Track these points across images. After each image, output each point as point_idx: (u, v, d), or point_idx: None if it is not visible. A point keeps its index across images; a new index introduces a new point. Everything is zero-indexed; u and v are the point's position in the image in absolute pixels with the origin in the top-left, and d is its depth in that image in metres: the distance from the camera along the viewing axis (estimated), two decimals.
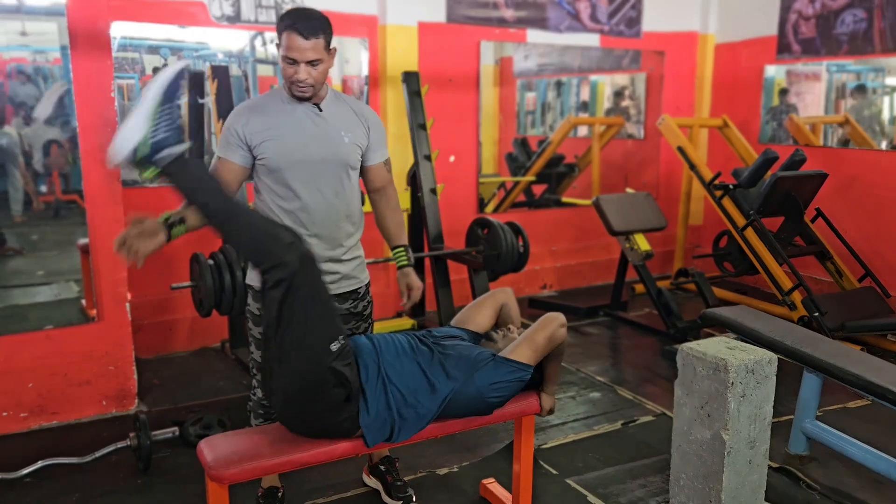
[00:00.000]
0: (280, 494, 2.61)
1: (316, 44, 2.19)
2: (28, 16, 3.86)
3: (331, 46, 2.27)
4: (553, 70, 7.56)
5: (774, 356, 2.53)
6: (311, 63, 2.21)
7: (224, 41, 5.15)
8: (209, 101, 4.24)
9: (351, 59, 4.92)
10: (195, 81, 4.38)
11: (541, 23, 5.43)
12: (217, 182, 2.05)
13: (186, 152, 1.93)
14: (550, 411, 2.46)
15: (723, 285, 5.62)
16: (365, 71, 4.85)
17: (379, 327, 4.72)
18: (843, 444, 2.93)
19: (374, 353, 2.19)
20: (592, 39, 5.73)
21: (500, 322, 2.60)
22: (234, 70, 5.83)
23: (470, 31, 5.13)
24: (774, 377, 2.55)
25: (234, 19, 4.33)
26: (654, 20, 5.93)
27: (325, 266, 2.41)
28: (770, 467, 3.02)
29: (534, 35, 5.44)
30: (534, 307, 5.28)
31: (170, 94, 1.87)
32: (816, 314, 4.21)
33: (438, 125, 5.00)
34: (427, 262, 4.70)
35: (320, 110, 2.35)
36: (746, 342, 3.13)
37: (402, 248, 2.61)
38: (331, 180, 2.36)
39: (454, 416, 2.25)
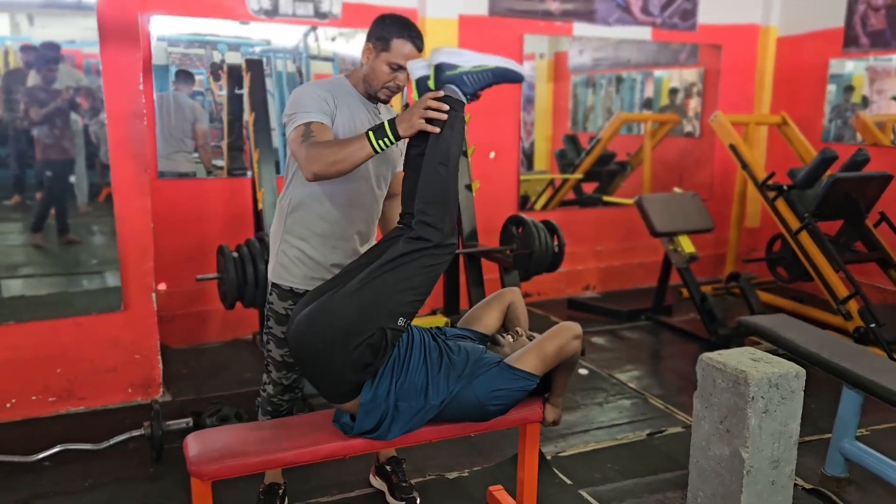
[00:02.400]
0: (281, 491, 2.58)
1: (418, 55, 2.27)
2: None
3: None
4: (608, 65, 7.34)
5: (802, 370, 2.35)
6: (405, 70, 2.27)
7: (278, 37, 5.19)
8: (244, 92, 4.25)
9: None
10: (234, 74, 4.43)
11: (588, 15, 5.26)
12: (461, 142, 2.13)
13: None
14: (554, 423, 2.35)
15: (778, 292, 5.34)
16: None
17: (413, 323, 4.68)
18: (884, 468, 2.70)
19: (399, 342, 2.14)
20: (644, 33, 5.52)
21: (506, 322, 2.50)
22: (289, 66, 5.89)
23: (513, 24, 5.01)
24: (802, 392, 2.37)
25: (272, 13, 4.34)
26: (711, 12, 5.67)
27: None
28: (802, 489, 2.83)
29: (581, 28, 5.29)
30: (573, 308, 5.13)
31: (497, 77, 2.16)
32: (873, 325, 3.93)
33: (478, 121, 4.90)
34: (461, 259, 4.62)
35: (379, 112, 2.38)
36: (781, 353, 2.94)
37: None
38: (379, 181, 2.40)
39: (451, 419, 2.17)
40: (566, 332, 2.21)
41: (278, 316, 2.42)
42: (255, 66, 4.03)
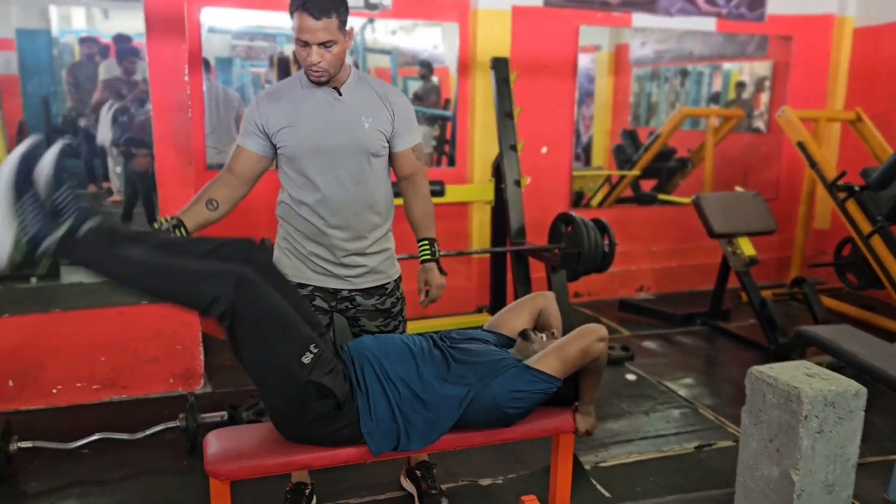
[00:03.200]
0: (308, 491, 2.54)
1: (328, 24, 2.04)
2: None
3: (347, 27, 2.13)
4: (671, 58, 7.08)
5: (862, 388, 2.16)
6: (324, 45, 2.07)
7: None
8: None
9: (440, 44, 4.79)
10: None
11: (649, 6, 5.06)
12: (113, 250, 1.78)
13: (73, 231, 1.70)
14: (587, 433, 2.23)
15: (847, 299, 5.04)
16: (450, 57, 4.71)
17: (457, 322, 4.59)
18: None
19: (374, 355, 2.05)
20: (708, 24, 5.28)
21: (537, 329, 2.38)
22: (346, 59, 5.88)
23: (569, 14, 4.85)
24: (862, 413, 2.18)
25: None
26: (782, 2, 5.38)
27: (349, 259, 2.30)
28: None
29: (641, 19, 5.08)
30: (624, 310, 4.96)
31: (23, 187, 1.63)
32: None
33: (530, 114, 4.77)
34: (508, 257, 4.51)
35: (340, 94, 2.22)
36: (843, 367, 2.74)
37: (426, 241, 2.39)
38: (350, 169, 2.23)
39: (472, 426, 2.08)
40: (590, 334, 2.08)
41: None
42: (284, 60, 4.01)
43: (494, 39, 4.60)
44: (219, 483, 1.94)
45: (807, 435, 2.14)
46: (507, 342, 2.29)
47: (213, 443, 2.00)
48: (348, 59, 4.77)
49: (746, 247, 4.35)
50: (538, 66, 4.82)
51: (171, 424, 3.01)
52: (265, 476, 2.00)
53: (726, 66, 6.78)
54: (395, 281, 2.43)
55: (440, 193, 4.35)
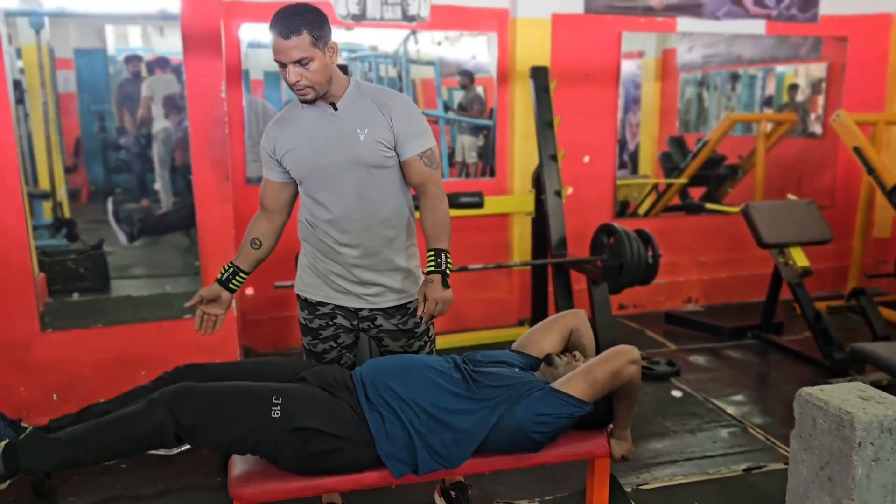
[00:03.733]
0: None
1: (299, 41, 2.00)
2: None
3: (326, 41, 2.06)
4: (720, 62, 6.89)
5: None
6: (300, 63, 2.02)
7: (378, 41, 5.19)
8: None
9: (485, 54, 4.74)
10: None
11: (694, 9, 4.91)
12: (53, 441, 1.89)
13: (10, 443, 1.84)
14: (624, 458, 2.13)
15: None
16: (493, 67, 4.65)
17: (499, 335, 4.52)
18: None
19: (385, 377, 2.00)
20: (757, 26, 5.10)
21: (568, 350, 2.29)
22: (390, 71, 5.87)
23: (610, 21, 4.75)
24: None
25: (360, 18, 4.30)
26: (836, 1, 5.17)
27: (366, 277, 2.25)
28: None
29: (686, 24, 4.94)
30: (671, 323, 4.80)
31: None
32: None
33: (572, 123, 4.68)
34: (549, 270, 4.41)
35: (335, 110, 2.16)
36: None
37: (433, 253, 2.19)
38: (351, 184, 2.18)
39: (497, 450, 2.00)
40: (620, 357, 1.99)
41: (301, 326, 2.38)
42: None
43: (534, 48, 4.53)
44: None
45: (861, 463, 2.01)
46: (535, 364, 2.22)
47: (238, 464, 1.98)
48: (392, 72, 4.71)
49: (799, 257, 4.17)
50: (580, 74, 4.72)
51: None
52: (290, 499, 1.97)
53: (780, 68, 6.57)
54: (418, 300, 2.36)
55: (479, 205, 4.29)
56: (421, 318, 2.28)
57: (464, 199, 4.27)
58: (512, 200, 4.59)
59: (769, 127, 5.99)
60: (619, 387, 2.00)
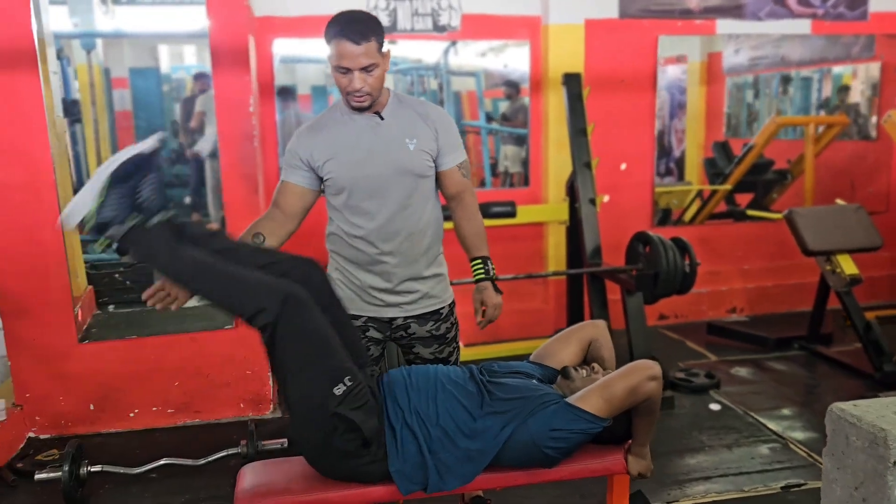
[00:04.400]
0: None
1: (368, 48, 2.01)
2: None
3: (383, 49, 2.07)
4: (767, 64, 6.70)
5: None
6: (366, 69, 2.02)
7: (419, 53, 5.22)
8: None
9: (510, 63, 4.71)
10: None
11: (734, 11, 4.78)
12: (174, 246, 1.82)
13: (142, 224, 1.78)
14: (641, 475, 2.05)
15: None
16: (525, 75, 4.61)
17: (534, 346, 4.42)
18: None
19: (405, 388, 1.96)
20: (801, 26, 4.93)
21: (587, 361, 2.23)
22: (432, 83, 5.89)
23: (646, 25, 4.66)
24: None
25: (390, 29, 4.32)
26: None
27: (404, 286, 2.24)
28: None
29: (725, 26, 4.81)
30: (713, 333, 4.66)
31: (123, 177, 1.76)
32: None
33: (608, 131, 4.61)
34: (584, 279, 4.33)
35: (381, 119, 2.16)
36: None
37: (479, 260, 2.29)
38: (398, 194, 2.18)
39: (510, 465, 1.95)
40: (640, 372, 1.90)
41: None
42: None
43: (567, 55, 4.48)
44: None
45: None
46: (553, 375, 2.15)
47: (246, 477, 1.98)
48: (433, 84, 4.75)
49: (847, 265, 3.99)
50: (615, 81, 4.64)
51: (232, 451, 3.03)
52: None
53: (837, 69, 6.33)
54: (450, 305, 2.35)
55: (511, 214, 4.25)
56: (452, 323, 2.36)
57: (496, 209, 4.23)
58: (546, 209, 4.53)
59: (819, 130, 5.77)
60: (637, 403, 1.93)
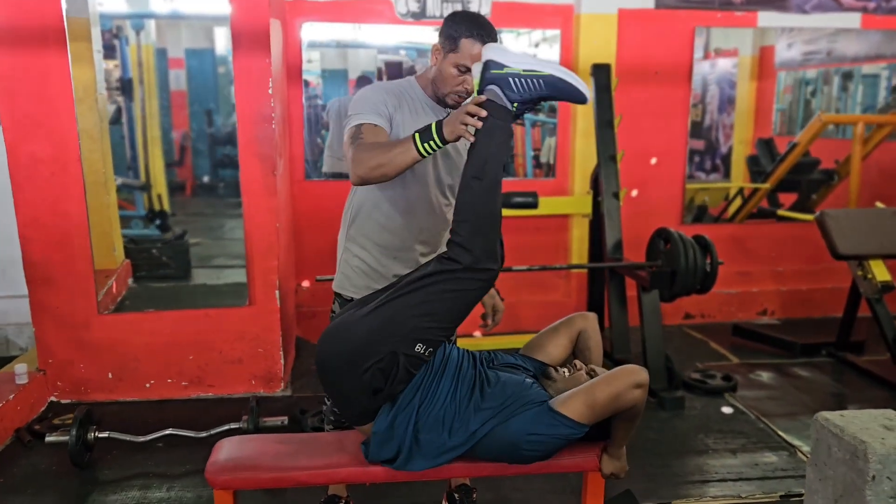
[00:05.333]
0: None
1: None
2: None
3: None
4: (821, 59, 6.44)
5: None
6: (471, 71, 2.08)
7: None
8: None
9: (541, 52, 4.65)
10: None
11: (778, 3, 4.61)
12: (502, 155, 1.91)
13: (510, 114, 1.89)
14: (614, 476, 2.02)
15: None
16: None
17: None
18: None
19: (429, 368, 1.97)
20: (850, 20, 4.72)
21: (576, 353, 2.19)
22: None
23: (683, 16, 4.53)
24: None
25: (419, 15, 4.31)
26: None
27: None
28: None
29: (768, 18, 4.64)
30: (738, 335, 4.53)
31: (554, 91, 1.87)
32: None
33: (639, 124, 4.52)
34: (605, 274, 4.26)
35: (448, 113, 2.17)
36: None
37: None
38: (444, 188, 2.28)
39: (485, 457, 1.94)
40: (625, 378, 1.85)
41: None
42: (394, 68, 4.04)
43: (599, 45, 4.39)
44: (220, 492, 1.95)
45: (875, 499, 1.81)
46: (542, 368, 2.13)
47: (222, 450, 2.03)
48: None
49: (880, 270, 3.82)
50: (648, 73, 4.54)
51: (234, 425, 3.11)
52: (286, 487, 2.00)
53: None
54: None
55: (533, 205, 4.19)
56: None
57: (517, 200, 4.19)
58: (569, 202, 4.47)
59: (872, 129, 5.52)
60: (620, 410, 1.89)
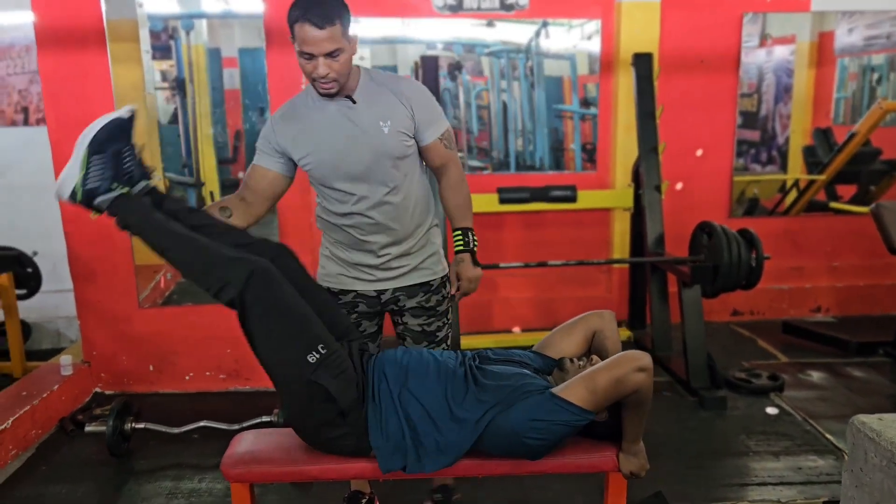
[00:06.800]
0: (365, 501, 2.50)
1: (332, 32, 1.93)
2: None
3: (351, 32, 1.99)
4: (883, 44, 6.12)
5: None
6: (331, 55, 1.95)
7: (510, 35, 5.14)
8: None
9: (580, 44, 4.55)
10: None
11: None
12: (151, 213, 1.90)
13: (128, 193, 1.88)
14: (633, 475, 1.95)
15: None
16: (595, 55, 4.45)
17: None
18: None
19: (396, 367, 1.95)
20: None
21: (590, 353, 2.12)
22: (519, 66, 5.80)
23: (730, 2, 4.39)
24: None
25: (456, 8, 4.27)
26: None
27: (393, 262, 2.24)
28: None
29: (822, 2, 4.43)
30: (789, 333, 4.35)
31: (102, 145, 1.82)
32: None
33: (683, 114, 4.39)
34: (647, 269, 4.15)
35: (354, 102, 2.10)
36: None
37: (459, 231, 2.28)
38: (379, 177, 2.14)
39: (493, 453, 1.90)
40: (627, 363, 1.79)
41: None
42: (429, 62, 4.00)
43: (641, 34, 4.27)
44: (238, 485, 1.96)
45: None
46: (551, 366, 2.07)
47: (238, 444, 2.04)
48: (534, 63, 4.62)
49: None
50: (692, 61, 4.40)
51: (265, 419, 3.14)
52: (301, 482, 2.00)
53: None
54: (442, 278, 2.32)
55: (571, 199, 4.13)
56: (444, 296, 2.33)
57: (555, 193, 4.13)
58: (610, 195, 4.37)
59: None
60: (624, 396, 1.82)
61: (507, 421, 1.85)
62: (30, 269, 4.00)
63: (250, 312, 1.82)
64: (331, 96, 2.07)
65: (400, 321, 2.34)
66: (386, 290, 2.28)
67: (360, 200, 2.16)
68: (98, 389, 3.67)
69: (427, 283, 2.29)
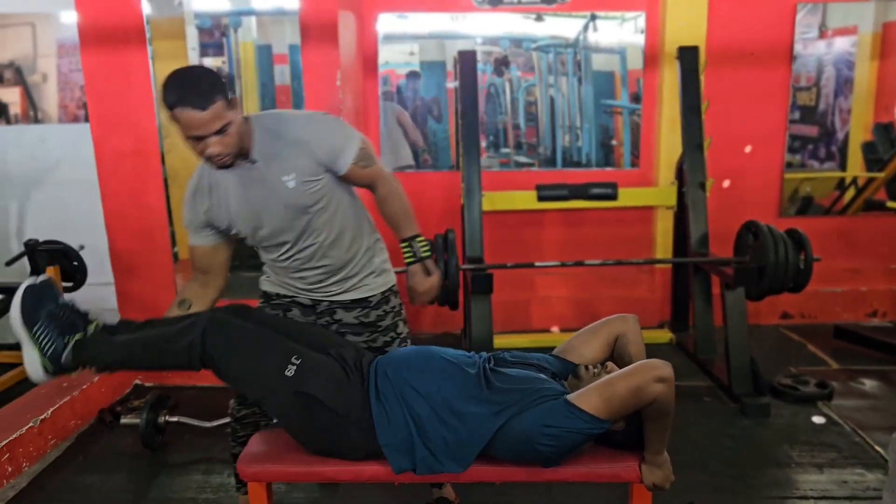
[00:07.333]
0: None
1: (215, 110, 1.81)
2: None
3: (230, 97, 1.87)
4: None
5: None
6: (220, 132, 1.85)
7: (558, 29, 5.06)
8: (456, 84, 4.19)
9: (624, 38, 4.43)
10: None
11: None
12: (108, 343, 1.94)
13: (83, 338, 1.92)
14: (657, 487, 1.87)
15: None
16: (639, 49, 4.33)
17: None
18: None
19: (399, 365, 1.92)
20: None
21: (614, 359, 2.05)
22: (567, 60, 5.71)
23: None
24: None
25: (496, 2, 4.21)
26: None
27: (335, 287, 2.20)
28: None
29: None
30: (840, 338, 4.16)
31: (35, 314, 1.89)
32: None
33: (731, 109, 4.24)
34: (690, 269, 4.02)
35: (254, 162, 2.01)
36: None
37: (405, 243, 2.18)
38: (296, 230, 2.08)
39: (505, 459, 1.85)
40: (646, 372, 1.71)
41: None
42: (467, 57, 3.94)
43: (687, 26, 4.14)
44: (255, 485, 1.96)
45: None
46: (568, 371, 2.01)
47: (256, 443, 2.04)
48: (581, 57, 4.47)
49: None
50: (741, 54, 4.23)
51: None
52: (322, 483, 1.99)
53: None
54: (382, 293, 2.24)
55: (612, 197, 4.02)
56: (386, 311, 2.26)
57: (595, 191, 4.03)
58: (652, 193, 4.25)
59: None
60: (642, 406, 1.75)
61: (520, 425, 1.80)
62: (76, 263, 4.10)
63: (218, 359, 1.87)
64: (228, 167, 1.98)
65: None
66: (322, 302, 2.23)
67: (289, 248, 2.13)
68: (138, 381, 3.75)
69: (365, 300, 2.22)
